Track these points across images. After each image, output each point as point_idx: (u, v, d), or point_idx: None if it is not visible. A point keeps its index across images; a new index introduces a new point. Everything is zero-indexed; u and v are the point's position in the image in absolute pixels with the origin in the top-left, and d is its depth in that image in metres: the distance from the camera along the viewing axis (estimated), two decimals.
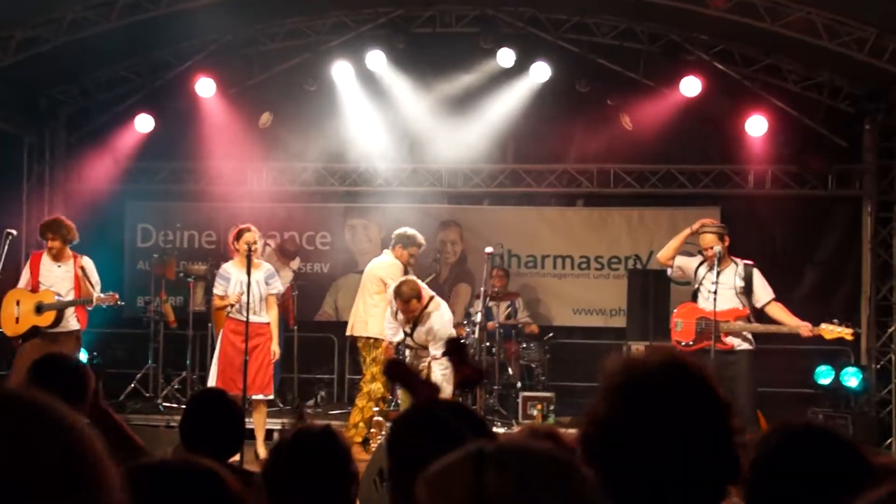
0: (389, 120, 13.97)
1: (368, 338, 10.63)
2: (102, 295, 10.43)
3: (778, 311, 9.68)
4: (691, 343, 9.71)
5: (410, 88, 13.78)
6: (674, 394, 2.03)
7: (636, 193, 14.52)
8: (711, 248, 9.60)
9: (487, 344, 12.25)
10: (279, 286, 10.69)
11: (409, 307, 9.87)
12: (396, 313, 10.17)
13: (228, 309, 10.28)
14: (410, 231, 10.92)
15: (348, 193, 14.79)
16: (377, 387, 10.40)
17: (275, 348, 10.47)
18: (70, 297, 10.35)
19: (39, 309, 10.22)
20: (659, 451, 1.97)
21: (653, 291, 13.32)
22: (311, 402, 13.37)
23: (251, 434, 10.05)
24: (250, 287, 9.97)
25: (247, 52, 14.05)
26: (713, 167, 14.31)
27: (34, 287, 10.31)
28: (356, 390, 13.49)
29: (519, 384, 12.79)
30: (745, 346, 9.63)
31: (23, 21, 12.29)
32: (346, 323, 11.51)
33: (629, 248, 14.49)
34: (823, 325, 9.38)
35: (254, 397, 10.28)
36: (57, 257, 10.39)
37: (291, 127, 14.16)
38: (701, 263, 9.87)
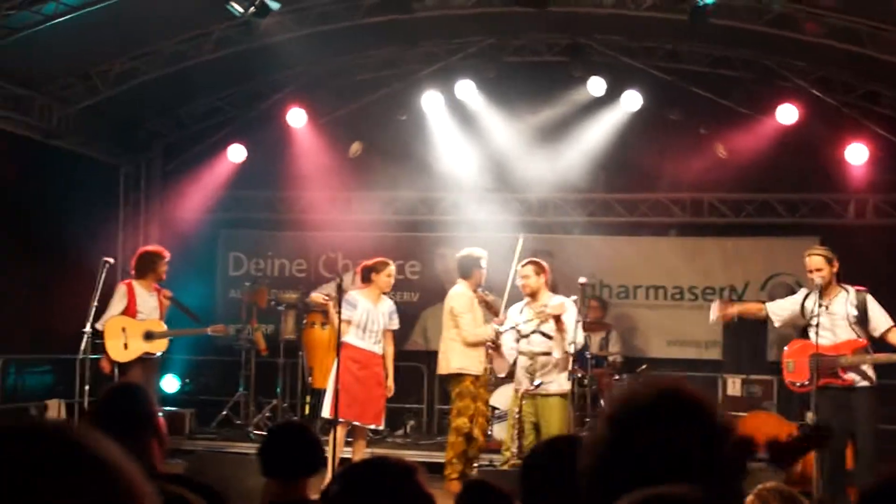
0: (480, 149, 13.93)
1: (451, 374, 10.54)
2: (216, 326, 11.33)
3: None
4: (806, 383, 9.01)
5: (500, 117, 13.74)
6: (666, 422, 1.99)
7: (731, 223, 14.28)
8: (819, 270, 8.98)
9: (579, 375, 12.08)
10: (398, 323, 10.75)
11: (524, 272, 9.67)
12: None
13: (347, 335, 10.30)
14: (466, 252, 10.76)
15: (438, 222, 14.76)
16: (463, 421, 10.28)
17: (389, 384, 10.51)
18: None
19: (149, 336, 10.51)
20: (650, 481, 1.89)
21: (749, 323, 13.04)
22: (400, 432, 13.29)
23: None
24: (375, 319, 10.31)
25: (337, 82, 14.18)
26: (812, 196, 14.01)
27: (132, 315, 10.55)
28: (445, 421, 13.49)
29: None
30: (865, 382, 8.92)
31: (121, 54, 12.53)
32: (435, 352, 11.46)
33: (724, 278, 14.21)
34: None
35: (365, 426, 10.39)
36: (147, 287, 10.70)
37: (382, 156, 14.19)
38: (807, 296, 9.38)
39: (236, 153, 14.33)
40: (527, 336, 9.53)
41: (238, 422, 13.23)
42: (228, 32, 12.28)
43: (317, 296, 12.55)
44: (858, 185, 13.50)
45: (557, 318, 9.32)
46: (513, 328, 9.61)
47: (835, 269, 9.04)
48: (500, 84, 13.45)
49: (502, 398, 11.72)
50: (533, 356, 9.46)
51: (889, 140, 13.05)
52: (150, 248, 11.28)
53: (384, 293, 10.52)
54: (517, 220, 14.29)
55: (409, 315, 14.42)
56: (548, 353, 9.47)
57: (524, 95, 13.73)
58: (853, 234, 13.42)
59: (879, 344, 9.11)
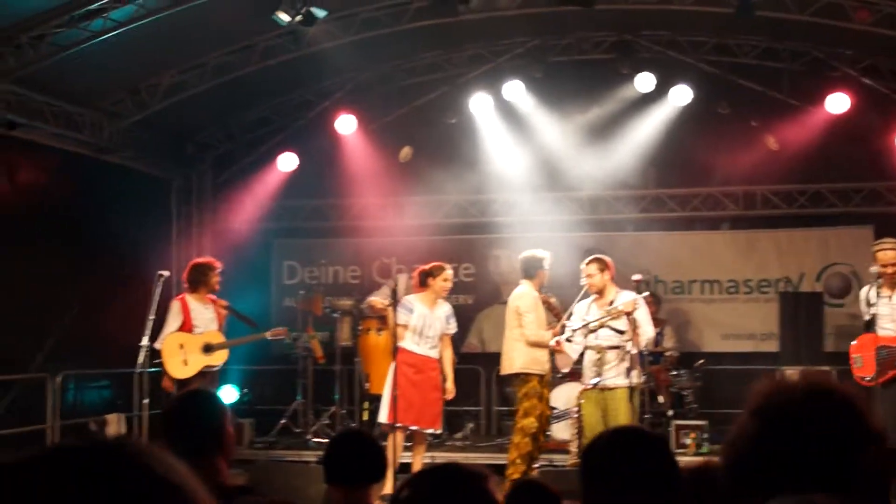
0: (530, 149, 13.93)
1: (517, 374, 10.49)
2: (274, 330, 11.25)
3: None
4: (874, 376, 8.97)
5: (549, 117, 13.73)
6: (816, 420, 1.94)
7: (784, 214, 14.20)
8: (893, 264, 8.99)
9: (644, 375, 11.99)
10: (456, 326, 10.74)
11: (588, 270, 9.73)
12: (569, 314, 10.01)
13: (403, 341, 10.31)
14: (529, 253, 10.72)
15: (491, 224, 14.77)
16: (530, 422, 10.23)
17: (449, 386, 10.47)
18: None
19: (208, 349, 10.49)
20: (799, 477, 1.89)
21: (805, 314, 12.99)
22: (459, 435, 13.27)
23: (406, 468, 10.09)
24: (432, 324, 10.29)
25: (385, 87, 14.23)
26: (864, 185, 13.90)
27: (188, 330, 10.51)
28: (504, 422, 13.46)
29: (670, 412, 12.50)
30: None
31: (169, 68, 12.65)
32: (492, 354, 11.44)
33: (778, 270, 14.14)
34: None
35: (423, 430, 10.35)
36: (201, 299, 10.65)
37: (432, 160, 14.22)
38: (869, 289, 9.27)
39: (287, 162, 14.45)
40: (594, 331, 9.53)
41: (297, 430, 13.24)
42: (275, 42, 12.36)
43: (376, 300, 12.53)
44: None
45: (629, 315, 9.31)
46: (584, 327, 9.59)
47: None
48: (548, 84, 13.44)
49: (562, 397, 11.70)
50: (601, 350, 9.47)
51: None
52: (200, 259, 11.23)
53: (441, 298, 10.52)
54: (570, 218, 14.27)
55: (465, 317, 14.42)
56: (617, 347, 9.46)
57: (572, 94, 13.72)
58: None
59: None
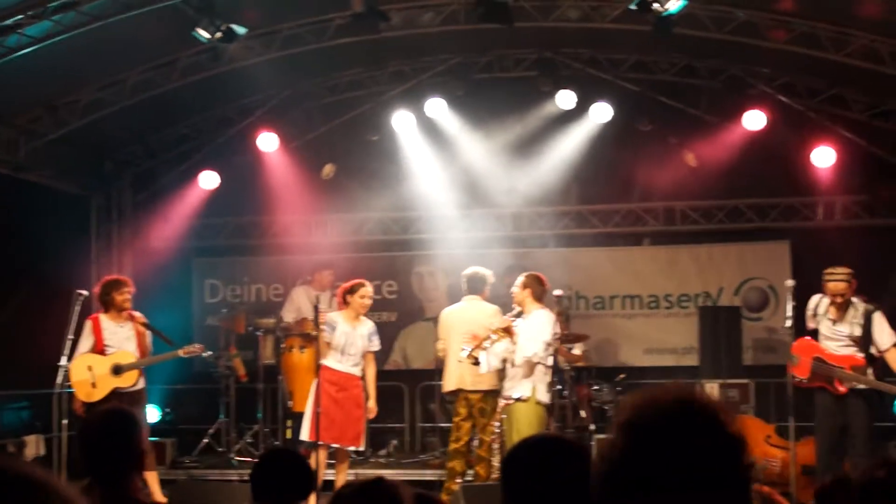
0: (452, 166, 13.97)
1: (490, 391, 10.42)
2: (188, 347, 10.71)
3: None
4: (805, 381, 9.37)
5: (472, 134, 13.78)
6: (681, 431, 1.97)
7: (703, 230, 14.39)
8: (842, 295, 9.22)
9: (559, 387, 12.07)
10: (379, 344, 10.68)
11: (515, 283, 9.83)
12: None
13: (326, 357, 10.24)
14: (474, 270, 10.79)
15: (414, 241, 14.78)
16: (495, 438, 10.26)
17: (371, 405, 10.44)
18: (136, 355, 10.35)
19: (117, 370, 10.13)
20: (664, 489, 1.92)
21: (724, 328, 13.17)
22: (382, 452, 13.26)
23: (329, 486, 10.04)
24: (353, 341, 10.26)
25: (307, 105, 14.18)
26: (781, 200, 14.16)
27: (100, 350, 10.19)
28: (427, 439, 13.45)
29: (592, 426, 12.59)
30: (860, 385, 9.21)
31: (87, 85, 12.48)
32: (415, 371, 11.35)
33: (699, 285, 14.31)
34: None
35: (345, 448, 10.32)
36: (116, 318, 10.31)
37: (354, 177, 14.24)
38: (819, 300, 9.45)
39: (208, 180, 14.29)
40: (489, 344, 9.63)
41: (220, 449, 13.12)
42: (195, 59, 12.22)
43: (308, 320, 12.30)
44: (826, 187, 13.65)
45: (506, 331, 9.40)
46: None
47: (853, 287, 9.21)
48: (471, 101, 13.46)
49: None
50: (504, 363, 9.59)
51: (854, 142, 13.18)
52: (109, 277, 10.93)
53: (362, 314, 10.49)
54: (492, 235, 14.34)
55: (388, 334, 14.37)
56: (515, 362, 9.52)
57: (495, 111, 13.78)
58: (822, 236, 13.55)
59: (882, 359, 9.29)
